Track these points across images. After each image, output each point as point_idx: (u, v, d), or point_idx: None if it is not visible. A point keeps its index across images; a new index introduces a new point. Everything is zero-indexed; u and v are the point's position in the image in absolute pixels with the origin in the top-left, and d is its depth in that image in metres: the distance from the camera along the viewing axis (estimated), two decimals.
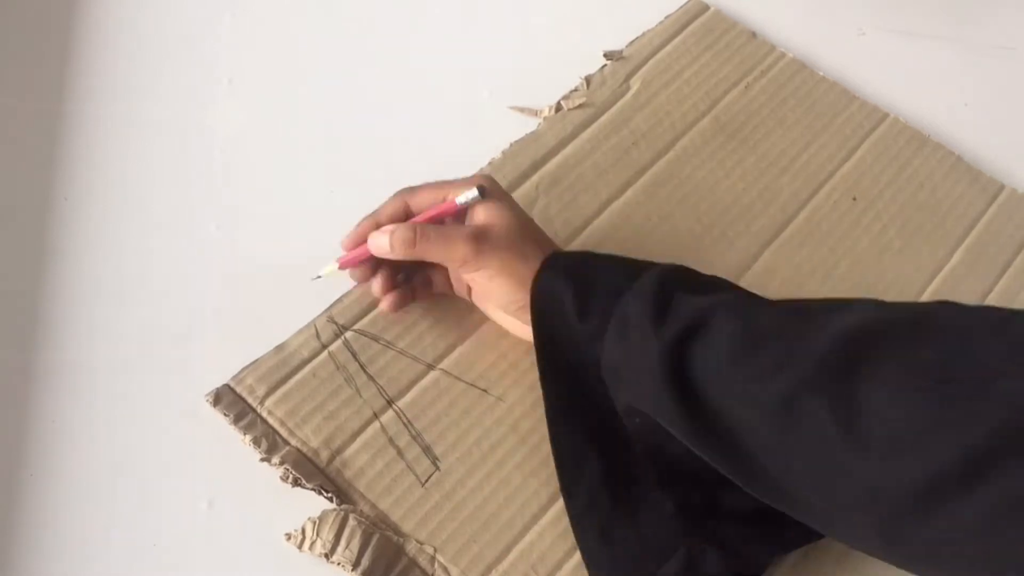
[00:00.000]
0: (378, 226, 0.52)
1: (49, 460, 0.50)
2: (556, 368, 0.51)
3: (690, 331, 0.45)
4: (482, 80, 0.67)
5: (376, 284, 0.54)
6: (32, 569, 0.48)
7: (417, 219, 0.52)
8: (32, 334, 0.54)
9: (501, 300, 0.52)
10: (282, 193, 0.61)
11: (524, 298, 0.50)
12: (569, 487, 0.50)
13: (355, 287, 0.56)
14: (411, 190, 0.53)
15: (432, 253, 0.50)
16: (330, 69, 0.67)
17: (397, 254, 0.51)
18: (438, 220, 0.52)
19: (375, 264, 0.54)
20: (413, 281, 0.55)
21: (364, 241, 0.52)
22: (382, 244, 0.51)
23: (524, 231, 0.51)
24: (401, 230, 0.50)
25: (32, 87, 0.64)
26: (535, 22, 0.72)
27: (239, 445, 0.51)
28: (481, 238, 0.50)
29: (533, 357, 0.55)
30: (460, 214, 0.52)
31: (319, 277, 0.54)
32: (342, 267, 0.54)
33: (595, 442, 0.50)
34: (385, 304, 0.54)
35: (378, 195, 0.60)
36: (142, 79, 0.65)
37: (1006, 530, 0.36)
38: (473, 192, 0.51)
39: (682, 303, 0.46)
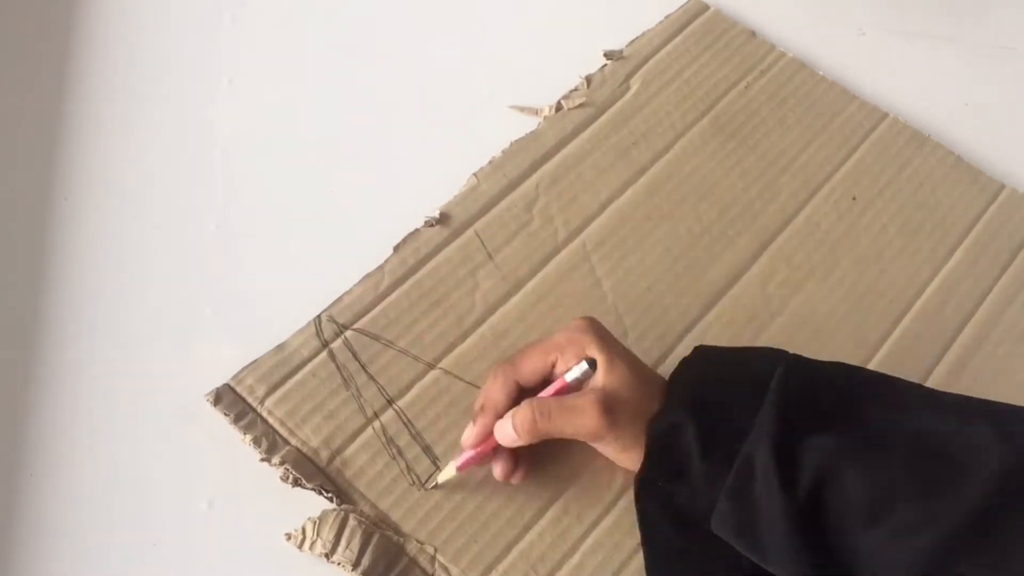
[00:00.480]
0: (499, 416, 0.48)
1: (49, 460, 0.50)
2: (662, 509, 0.48)
3: (818, 486, 0.43)
4: (482, 79, 0.67)
5: (498, 469, 0.50)
6: (32, 569, 0.48)
7: (536, 400, 0.48)
8: (32, 334, 0.54)
9: (631, 465, 0.49)
10: (282, 193, 0.61)
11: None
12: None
13: (354, 286, 0.56)
14: (511, 364, 0.49)
15: (560, 431, 0.47)
16: (330, 69, 0.67)
17: (524, 439, 0.48)
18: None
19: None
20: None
21: (489, 435, 0.49)
22: (508, 433, 0.48)
23: (647, 385, 0.48)
24: (522, 413, 0.47)
25: (32, 87, 0.63)
26: (535, 22, 0.71)
27: (239, 445, 0.51)
28: (610, 409, 0.46)
29: None
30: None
31: (437, 486, 0.51)
32: (463, 469, 0.50)
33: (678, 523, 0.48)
34: (498, 471, 0.50)
35: (378, 195, 0.61)
36: (142, 79, 0.65)
37: None
38: (584, 367, 0.47)
39: (806, 451, 0.44)
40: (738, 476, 0.45)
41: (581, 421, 0.47)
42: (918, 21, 0.76)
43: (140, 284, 0.56)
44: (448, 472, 0.50)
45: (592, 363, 0.47)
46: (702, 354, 0.50)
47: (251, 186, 0.61)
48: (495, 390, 0.49)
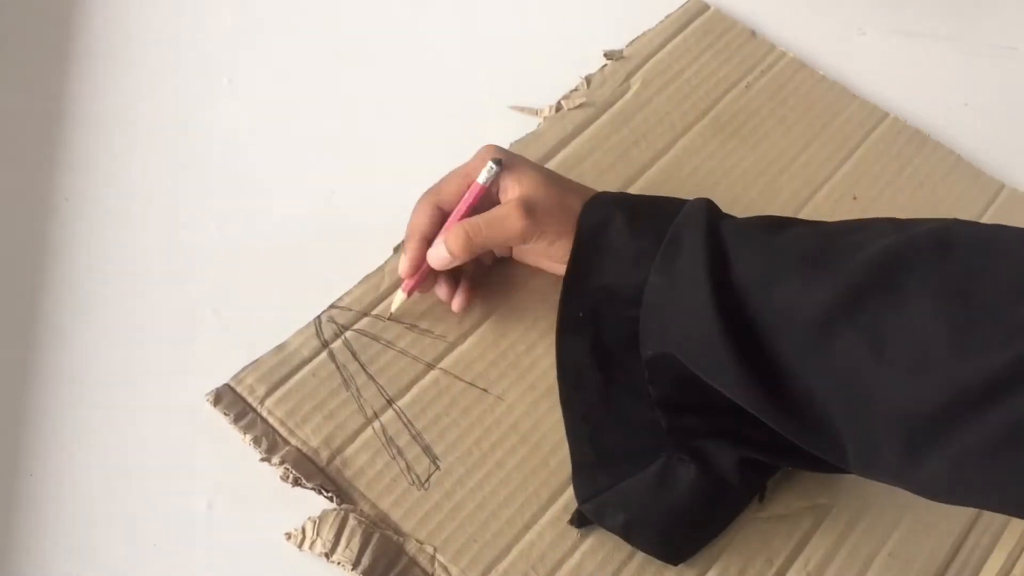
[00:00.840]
0: (428, 242, 0.53)
1: (49, 460, 0.50)
2: (583, 288, 0.52)
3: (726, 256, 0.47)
4: (483, 80, 0.67)
5: (441, 291, 0.55)
6: (32, 569, 0.48)
7: (455, 215, 0.52)
8: (32, 334, 0.54)
9: (562, 256, 0.52)
10: (282, 193, 0.61)
11: None
12: (568, 397, 0.52)
13: (355, 287, 0.56)
14: (433, 192, 0.54)
15: (491, 242, 0.52)
16: (330, 69, 0.67)
17: (460, 258, 0.52)
18: (474, 208, 0.52)
19: (433, 274, 0.54)
20: (466, 273, 0.56)
21: (421, 262, 0.53)
22: (442, 255, 0.52)
23: (560, 186, 0.53)
24: (453, 236, 0.51)
25: (32, 87, 0.63)
26: (535, 22, 0.71)
27: (239, 445, 0.51)
28: (530, 207, 0.51)
29: (533, 356, 0.55)
30: (489, 195, 0.53)
31: (391, 315, 0.55)
32: (409, 294, 0.54)
33: (599, 357, 0.51)
34: (456, 306, 0.55)
35: (378, 195, 0.60)
36: (142, 79, 0.65)
37: (1014, 455, 0.38)
38: (491, 167, 0.51)
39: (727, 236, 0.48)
40: (665, 253, 0.49)
41: (508, 225, 0.51)
42: (918, 21, 0.76)
43: (140, 284, 0.56)
44: (399, 299, 0.54)
45: (497, 162, 0.51)
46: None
47: (251, 186, 0.61)
48: (419, 217, 0.53)
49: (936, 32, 0.76)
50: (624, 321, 0.50)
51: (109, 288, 0.56)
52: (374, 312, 0.56)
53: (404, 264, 0.53)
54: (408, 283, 0.54)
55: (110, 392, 0.53)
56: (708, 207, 0.50)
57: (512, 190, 0.52)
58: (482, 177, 0.52)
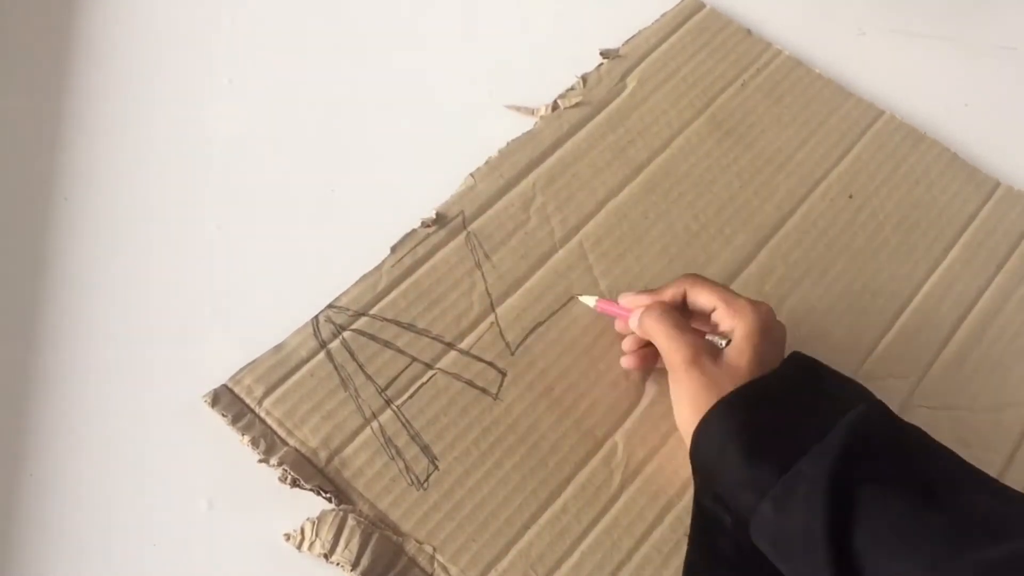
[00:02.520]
0: (657, 299, 0.52)
1: (49, 460, 0.49)
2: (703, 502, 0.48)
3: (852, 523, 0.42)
4: (479, 79, 0.66)
5: (626, 341, 0.54)
6: (32, 569, 0.47)
7: (670, 308, 0.51)
8: (32, 334, 0.53)
9: (679, 423, 0.50)
10: (282, 193, 0.60)
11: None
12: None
13: (352, 286, 0.55)
14: (695, 281, 0.51)
15: (658, 338, 0.50)
16: (329, 69, 0.66)
17: (637, 328, 0.52)
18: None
19: None
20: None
21: (639, 304, 0.52)
22: (634, 319, 0.52)
23: (748, 377, 0.48)
24: (653, 306, 0.51)
25: (32, 87, 0.62)
26: (531, 21, 0.70)
27: (239, 445, 0.50)
28: (700, 358, 0.48)
29: (530, 355, 0.54)
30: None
31: (576, 297, 0.56)
32: (600, 311, 0.55)
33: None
34: (624, 361, 0.54)
35: (375, 195, 0.60)
36: (142, 79, 0.64)
37: None
38: (721, 343, 0.49)
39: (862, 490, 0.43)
40: (785, 485, 0.44)
41: (674, 344, 0.49)
42: (918, 21, 0.75)
43: (140, 284, 0.55)
44: (589, 300, 0.55)
45: (727, 341, 0.49)
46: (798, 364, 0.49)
47: (251, 186, 0.60)
48: (669, 287, 0.52)
49: (936, 32, 0.74)
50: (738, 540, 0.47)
51: (109, 288, 0.55)
52: (372, 311, 0.54)
53: (628, 294, 0.53)
54: (610, 309, 0.54)
55: (110, 392, 0.52)
56: (849, 433, 0.45)
57: (733, 335, 0.49)
58: (710, 336, 0.50)
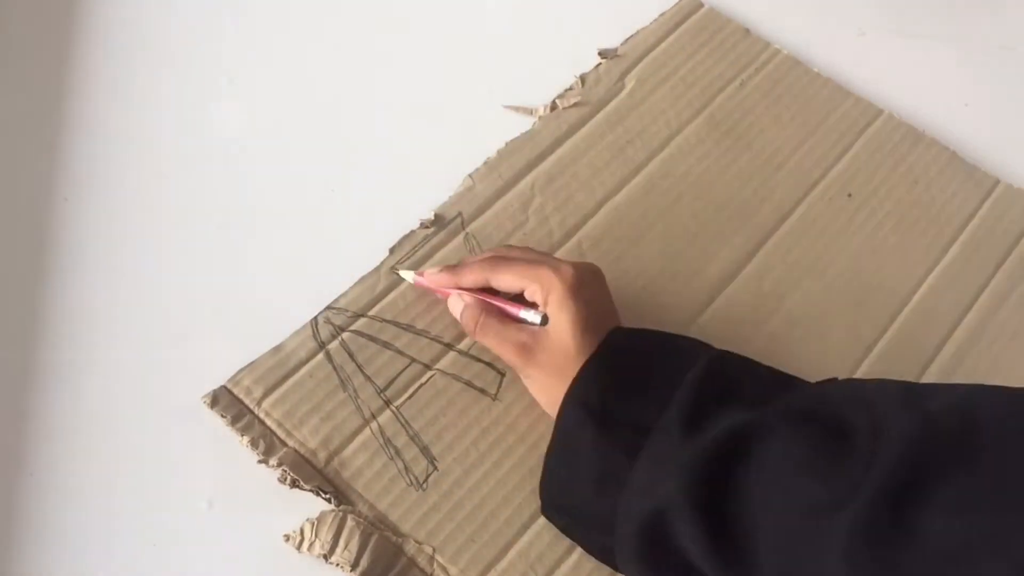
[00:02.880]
0: (457, 286, 0.52)
1: (49, 460, 0.49)
2: (555, 503, 0.49)
3: (728, 455, 0.42)
4: (477, 80, 0.65)
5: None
6: (32, 569, 0.46)
7: (486, 300, 0.52)
8: (32, 334, 0.52)
9: (546, 410, 0.50)
10: (282, 193, 0.59)
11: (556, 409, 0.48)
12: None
13: (351, 288, 0.55)
14: (495, 264, 0.51)
15: (488, 345, 0.51)
16: (329, 69, 0.65)
17: (456, 316, 0.52)
18: (504, 312, 0.51)
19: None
20: None
21: (440, 285, 0.53)
22: (455, 310, 0.53)
23: (578, 345, 0.48)
24: (469, 312, 0.51)
25: (32, 88, 0.62)
26: (530, 21, 0.70)
27: (239, 445, 0.49)
28: (529, 352, 0.49)
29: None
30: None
31: (396, 272, 0.55)
32: (417, 285, 0.55)
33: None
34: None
35: (374, 196, 0.59)
36: (142, 79, 0.63)
37: None
38: (536, 318, 0.50)
39: (717, 419, 0.44)
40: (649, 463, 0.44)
41: (502, 350, 0.50)
42: (918, 21, 0.74)
43: (140, 284, 0.55)
44: (408, 275, 0.55)
45: (545, 320, 0.49)
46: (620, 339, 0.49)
47: (251, 186, 0.59)
48: (470, 270, 0.52)
49: (936, 33, 0.74)
50: (596, 545, 0.48)
51: (109, 288, 0.55)
52: (371, 312, 0.54)
53: (434, 276, 0.53)
54: (422, 282, 0.54)
55: (110, 392, 0.51)
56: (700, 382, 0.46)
57: (547, 306, 0.49)
58: (523, 313, 0.50)
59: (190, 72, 0.64)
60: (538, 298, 0.49)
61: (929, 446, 0.39)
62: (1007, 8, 0.77)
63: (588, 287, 0.50)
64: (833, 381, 0.47)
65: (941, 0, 0.76)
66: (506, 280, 0.51)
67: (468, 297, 0.52)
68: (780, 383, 0.48)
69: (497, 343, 0.50)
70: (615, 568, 0.47)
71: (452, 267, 0.53)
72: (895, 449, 0.39)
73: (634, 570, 0.44)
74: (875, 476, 0.38)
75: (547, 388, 0.49)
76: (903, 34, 0.73)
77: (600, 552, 0.48)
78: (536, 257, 0.51)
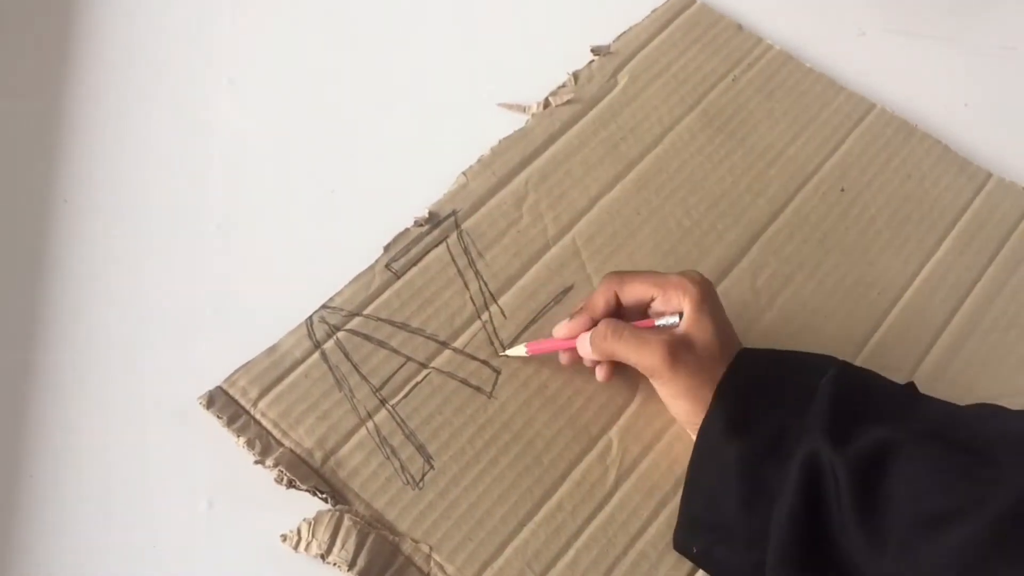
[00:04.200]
0: (594, 321, 0.49)
1: (49, 461, 0.48)
2: (696, 522, 0.47)
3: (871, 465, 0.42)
4: (470, 78, 0.64)
5: (588, 363, 0.51)
6: (32, 569, 0.45)
7: (617, 321, 0.49)
8: (32, 334, 0.51)
9: (682, 418, 0.48)
10: (283, 193, 0.58)
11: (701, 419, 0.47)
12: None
13: (345, 287, 0.53)
14: (620, 278, 0.49)
15: (625, 355, 0.47)
16: (329, 69, 0.64)
17: (595, 355, 0.49)
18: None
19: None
20: None
21: (573, 331, 0.50)
22: (586, 346, 0.49)
23: (722, 349, 0.47)
24: (598, 328, 0.48)
25: (32, 87, 0.60)
26: (522, 19, 0.68)
27: (236, 446, 0.48)
28: (677, 353, 0.46)
29: (535, 363, 0.52)
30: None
31: (505, 355, 0.52)
32: (533, 353, 0.51)
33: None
34: (599, 374, 0.51)
35: (371, 192, 0.58)
36: (142, 79, 0.62)
37: None
38: (674, 320, 0.47)
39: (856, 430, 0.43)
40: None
41: (645, 353, 0.47)
42: (918, 21, 0.72)
43: (140, 285, 0.54)
44: (518, 351, 0.51)
45: (680, 315, 0.47)
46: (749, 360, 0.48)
47: (251, 186, 0.58)
48: (598, 296, 0.50)
49: (936, 32, 0.72)
50: (742, 563, 0.45)
51: (109, 289, 0.53)
52: (365, 311, 0.52)
53: (563, 328, 0.50)
54: (543, 345, 0.51)
55: (110, 392, 0.50)
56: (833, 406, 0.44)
57: (684, 323, 0.47)
58: (660, 322, 0.48)
59: (190, 72, 0.62)
60: (672, 305, 0.48)
61: None
62: (1007, 8, 0.75)
63: (716, 297, 0.49)
64: (975, 406, 0.46)
65: (941, 0, 0.74)
66: (637, 289, 0.49)
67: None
68: (909, 398, 0.47)
69: (637, 347, 0.47)
70: None
71: (578, 313, 0.50)
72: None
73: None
74: (1002, 495, 0.38)
75: (691, 391, 0.46)
76: (903, 34, 0.71)
77: (748, 570, 0.45)
78: (657, 271, 0.50)
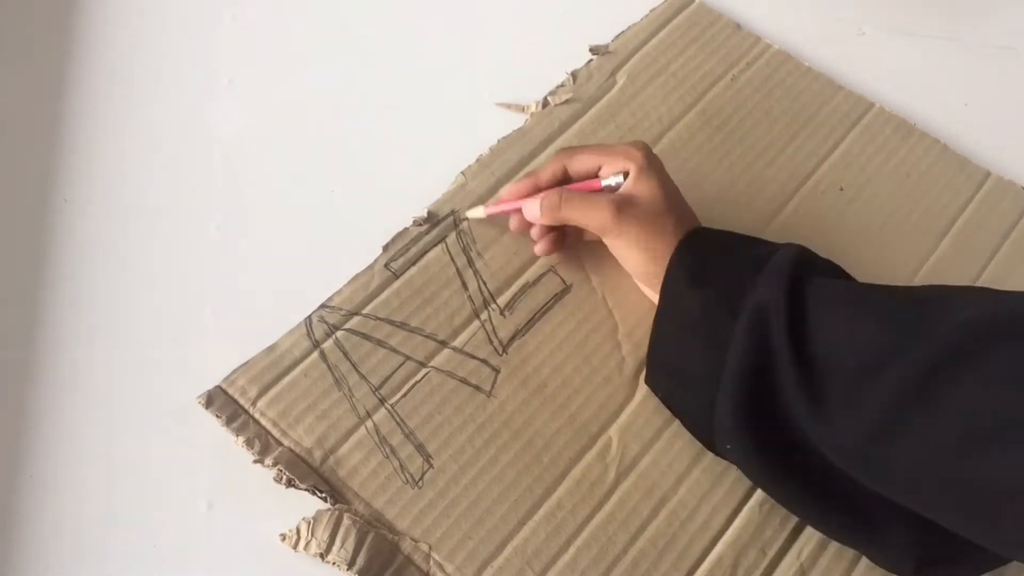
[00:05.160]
0: (538, 187, 0.52)
1: (49, 460, 0.47)
2: (661, 367, 0.50)
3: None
4: (469, 78, 0.63)
5: (533, 230, 0.53)
6: (32, 570, 0.44)
7: (566, 188, 0.51)
8: (32, 334, 0.50)
9: (636, 270, 0.51)
10: (282, 193, 0.57)
11: (657, 271, 0.49)
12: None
13: (344, 286, 0.52)
14: (569, 153, 0.52)
15: (575, 217, 0.50)
16: (329, 68, 0.63)
17: (544, 219, 0.51)
18: (579, 190, 0.51)
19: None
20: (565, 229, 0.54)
21: (521, 196, 0.52)
22: (533, 210, 0.51)
23: (668, 204, 0.50)
24: (550, 196, 0.50)
25: (32, 87, 0.59)
26: (521, 19, 0.67)
27: (238, 445, 0.47)
28: (623, 207, 0.49)
29: (524, 352, 0.51)
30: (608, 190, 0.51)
31: (465, 219, 0.54)
32: (490, 217, 0.54)
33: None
34: (538, 248, 0.53)
35: (371, 192, 0.57)
36: (142, 79, 0.61)
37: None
38: (619, 179, 0.50)
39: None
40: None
41: (594, 213, 0.49)
42: (918, 21, 0.72)
43: (140, 285, 0.53)
44: (476, 212, 0.54)
45: (625, 175, 0.50)
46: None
47: (251, 186, 0.57)
48: (546, 168, 0.52)
49: (936, 32, 0.71)
50: (695, 407, 0.49)
51: (109, 288, 0.52)
52: (365, 311, 0.51)
53: (509, 189, 0.53)
54: (496, 209, 0.53)
55: (110, 392, 0.49)
56: (792, 265, 0.46)
57: (625, 186, 0.50)
58: (605, 181, 0.50)
59: (190, 72, 0.61)
60: (617, 169, 0.50)
61: (994, 327, 0.39)
62: (1007, 8, 0.74)
63: (659, 162, 0.51)
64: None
65: (941, 0, 0.73)
66: (584, 161, 0.51)
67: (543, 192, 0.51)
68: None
69: (585, 210, 0.49)
70: (708, 442, 0.48)
71: (526, 176, 0.53)
72: (961, 326, 0.39)
73: (730, 424, 0.45)
74: (932, 343, 0.39)
75: (640, 240, 0.49)
76: (903, 33, 0.71)
77: (698, 413, 0.48)
78: (606, 144, 0.52)
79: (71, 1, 0.63)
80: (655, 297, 0.50)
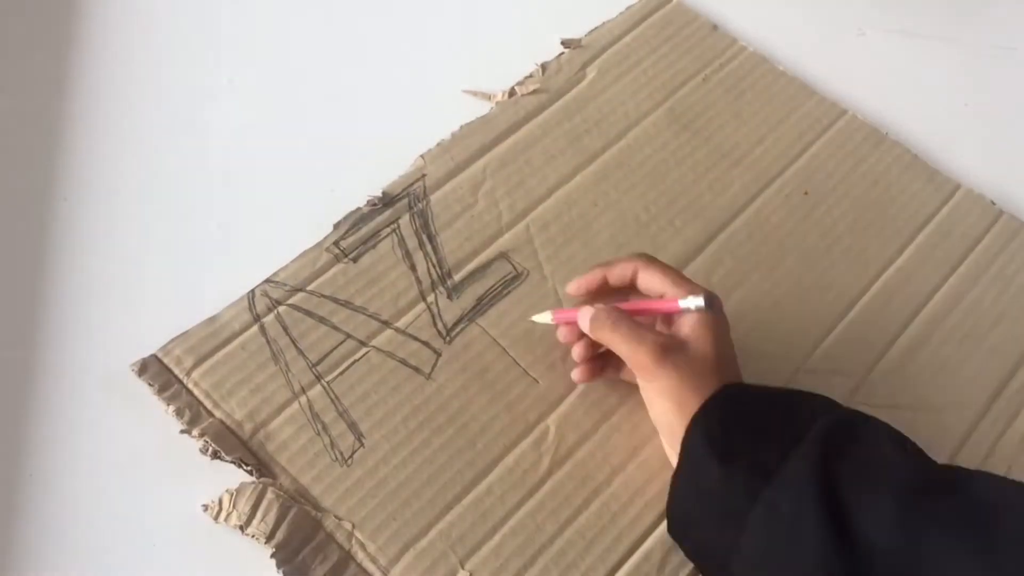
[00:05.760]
0: (606, 281, 0.48)
1: (49, 460, 0.46)
2: (678, 533, 0.45)
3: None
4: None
5: (576, 349, 0.49)
6: (31, 570, 0.43)
7: (627, 306, 0.47)
8: (32, 334, 0.49)
9: (658, 419, 0.46)
10: (282, 193, 0.56)
11: (680, 430, 0.43)
12: None
13: (291, 262, 0.51)
14: (650, 264, 0.47)
15: (617, 343, 0.45)
16: (329, 68, 0.62)
17: (588, 333, 0.46)
18: (648, 311, 0.47)
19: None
20: (608, 358, 0.49)
21: (593, 287, 0.48)
22: (584, 320, 0.46)
23: (716, 365, 0.44)
24: (601, 314, 0.46)
25: (32, 87, 0.59)
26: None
27: (168, 415, 0.46)
28: (669, 353, 0.44)
29: (467, 337, 0.50)
30: (672, 314, 0.46)
31: (532, 320, 0.49)
32: (557, 323, 0.49)
33: None
34: (575, 374, 0.49)
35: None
36: (142, 79, 0.60)
37: None
38: (699, 301, 0.44)
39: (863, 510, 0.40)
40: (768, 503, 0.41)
41: (638, 348, 0.44)
42: (918, 21, 0.70)
43: (140, 285, 0.52)
44: (544, 317, 0.49)
45: (708, 303, 0.44)
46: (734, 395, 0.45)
47: (251, 186, 0.56)
48: (618, 264, 0.48)
49: (936, 32, 0.70)
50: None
51: (108, 288, 0.51)
52: (309, 287, 0.50)
53: (576, 281, 0.48)
54: (560, 315, 0.48)
55: (110, 392, 0.48)
56: (825, 437, 0.41)
57: (682, 328, 0.45)
58: (684, 302, 0.45)
59: (190, 72, 0.60)
60: (683, 295, 0.45)
61: None
62: (1007, 8, 0.72)
63: (726, 319, 0.46)
64: (978, 474, 0.43)
65: (941, 0, 0.71)
66: (656, 279, 0.46)
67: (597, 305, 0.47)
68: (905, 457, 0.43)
69: (629, 342, 0.44)
70: None
71: (596, 266, 0.48)
72: None
73: None
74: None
75: (673, 391, 0.44)
76: (903, 34, 0.69)
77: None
78: (684, 275, 0.47)
79: (71, 1, 0.62)
80: (672, 453, 0.45)
